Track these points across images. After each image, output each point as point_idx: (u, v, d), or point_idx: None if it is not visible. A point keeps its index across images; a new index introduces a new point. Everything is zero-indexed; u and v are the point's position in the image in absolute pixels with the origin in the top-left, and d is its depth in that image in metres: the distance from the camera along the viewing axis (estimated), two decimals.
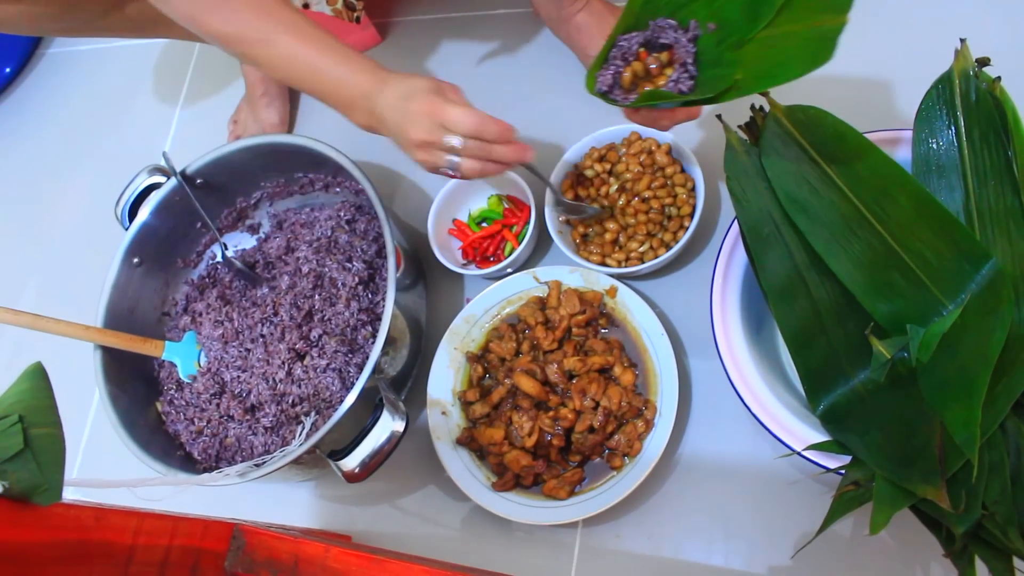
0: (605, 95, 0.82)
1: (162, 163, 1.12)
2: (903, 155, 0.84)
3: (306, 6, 1.03)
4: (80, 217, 1.48)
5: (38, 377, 0.64)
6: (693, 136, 1.10)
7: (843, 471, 0.78)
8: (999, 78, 0.80)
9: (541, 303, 1.05)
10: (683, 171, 1.04)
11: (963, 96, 0.81)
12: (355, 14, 1.07)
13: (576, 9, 1.16)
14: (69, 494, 1.18)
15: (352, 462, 0.89)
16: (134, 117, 1.55)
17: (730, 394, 0.85)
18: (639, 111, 0.83)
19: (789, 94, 0.86)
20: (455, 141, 0.81)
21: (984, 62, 0.81)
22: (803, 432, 0.81)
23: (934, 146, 0.82)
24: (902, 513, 0.73)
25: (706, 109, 0.92)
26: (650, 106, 0.82)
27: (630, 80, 0.81)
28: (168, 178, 1.12)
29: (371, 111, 0.84)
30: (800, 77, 0.74)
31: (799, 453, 0.80)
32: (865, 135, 0.81)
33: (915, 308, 0.78)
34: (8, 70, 1.67)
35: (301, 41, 0.83)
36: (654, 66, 0.81)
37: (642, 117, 0.85)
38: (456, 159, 0.83)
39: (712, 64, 0.79)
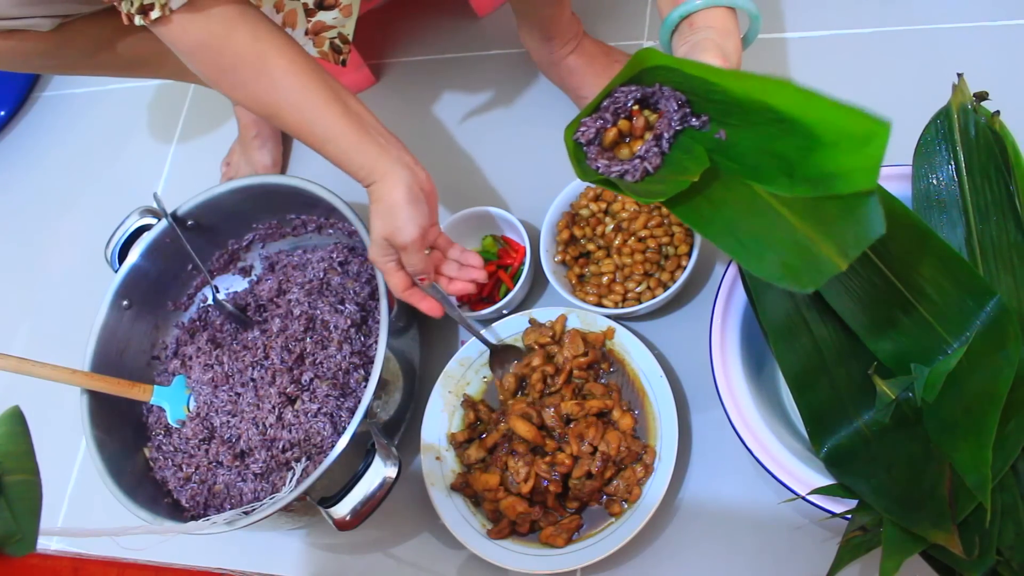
0: (577, 147, 0.74)
1: (153, 204, 1.12)
2: (903, 191, 0.83)
3: None
4: (71, 259, 1.47)
5: (15, 421, 0.62)
6: None
7: (849, 516, 0.76)
8: (998, 112, 0.80)
9: (548, 338, 1.03)
10: None
11: (962, 130, 0.80)
12: (341, 57, 1.06)
13: (567, 52, 1.16)
14: (52, 544, 1.16)
15: (343, 509, 0.87)
16: (127, 159, 1.55)
17: (731, 437, 0.83)
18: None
19: None
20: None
21: (982, 96, 0.81)
22: (807, 476, 0.79)
23: (934, 181, 0.82)
24: (913, 560, 0.70)
25: None
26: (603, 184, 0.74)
27: (612, 139, 0.73)
28: (159, 220, 1.12)
29: (365, 184, 0.88)
30: (770, 279, 0.65)
31: (803, 497, 0.78)
32: None
33: (919, 346, 0.77)
34: (2, 113, 1.67)
35: (302, 123, 0.85)
36: (639, 124, 0.73)
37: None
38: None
39: (685, 150, 0.70)
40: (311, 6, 0.98)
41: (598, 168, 0.72)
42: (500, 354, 1.03)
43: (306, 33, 1.03)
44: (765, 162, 0.66)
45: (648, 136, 0.71)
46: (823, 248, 0.64)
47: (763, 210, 0.66)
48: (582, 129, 0.72)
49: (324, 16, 1.00)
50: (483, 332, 1.02)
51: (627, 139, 0.73)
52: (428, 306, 0.95)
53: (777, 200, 0.66)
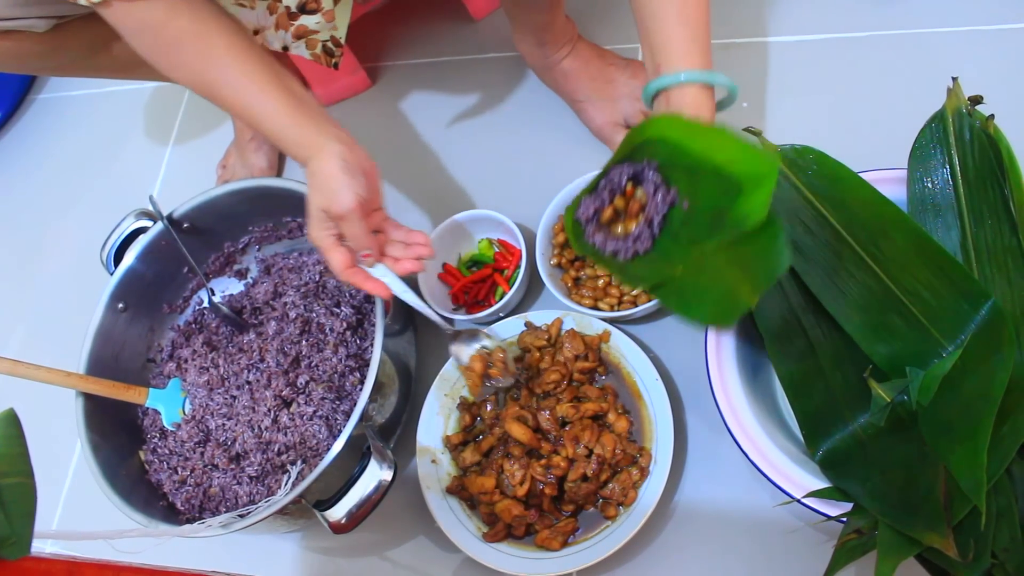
0: (576, 224, 0.80)
1: (149, 207, 1.11)
2: (898, 194, 0.83)
3: (285, 48, 1.03)
4: (67, 262, 1.47)
5: (9, 424, 0.62)
6: None
7: (845, 519, 0.76)
8: (992, 116, 0.80)
9: (544, 341, 1.03)
10: None
11: (957, 134, 0.81)
12: (333, 60, 1.06)
13: (562, 56, 1.16)
14: (47, 547, 1.16)
15: (339, 512, 0.87)
16: (123, 162, 1.54)
17: (727, 440, 0.83)
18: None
19: (782, 134, 0.86)
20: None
21: (977, 100, 0.81)
22: (802, 479, 0.79)
23: (929, 185, 0.82)
24: (908, 563, 0.71)
25: None
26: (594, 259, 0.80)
27: (609, 216, 0.78)
28: (155, 222, 1.11)
29: (302, 162, 0.87)
30: (698, 322, 0.76)
31: (799, 500, 0.78)
32: (859, 174, 0.81)
33: (914, 350, 0.77)
34: None
35: (241, 98, 0.84)
36: (633, 207, 0.78)
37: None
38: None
39: (671, 238, 0.75)
40: (293, 9, 0.98)
41: (594, 243, 0.77)
42: (461, 338, 1.02)
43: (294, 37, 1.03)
44: (709, 219, 0.72)
45: (641, 217, 0.76)
46: (742, 290, 0.71)
47: (703, 266, 0.73)
48: (581, 208, 0.78)
49: (307, 20, 1.00)
50: (439, 316, 1.00)
51: (622, 217, 0.78)
52: (374, 286, 0.90)
53: (714, 252, 0.72)
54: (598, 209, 0.77)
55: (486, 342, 0.99)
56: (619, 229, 0.77)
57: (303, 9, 0.99)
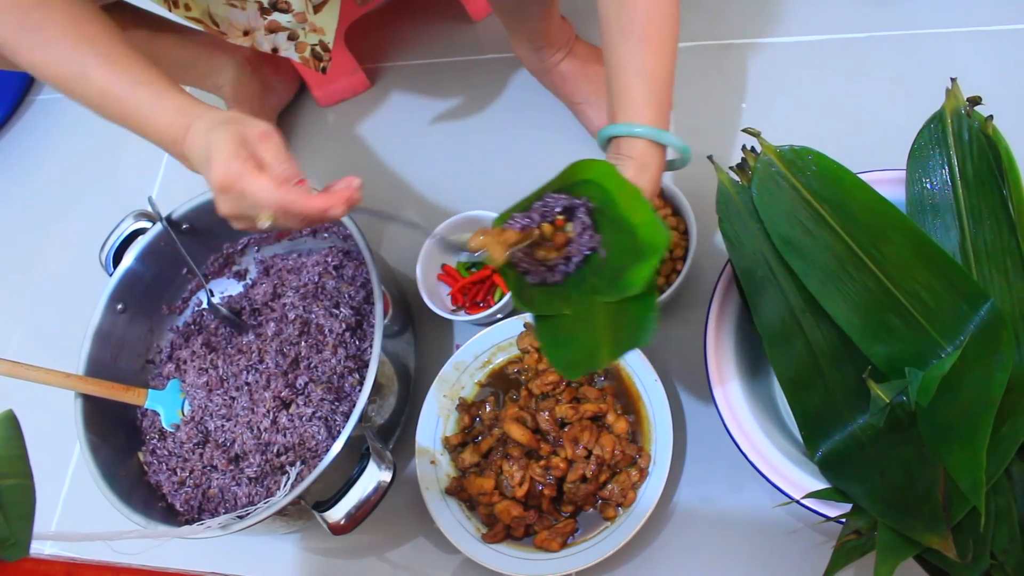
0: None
1: (148, 208, 1.11)
2: (897, 195, 0.83)
3: (275, 50, 1.04)
4: (66, 263, 1.47)
5: (8, 426, 0.62)
6: (685, 178, 1.10)
7: (844, 520, 0.76)
8: (991, 117, 0.80)
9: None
10: (675, 213, 1.03)
11: (956, 135, 0.80)
12: (322, 64, 1.07)
13: (559, 59, 1.16)
14: (45, 548, 1.16)
15: (338, 513, 0.87)
16: (122, 163, 1.54)
17: (726, 441, 0.83)
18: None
19: (781, 135, 0.86)
20: (260, 221, 0.72)
21: (976, 101, 0.81)
22: (801, 479, 0.79)
23: (928, 186, 0.82)
24: (907, 563, 0.70)
25: (699, 146, 0.91)
26: (510, 283, 0.80)
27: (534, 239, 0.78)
28: (154, 223, 1.11)
29: (184, 158, 0.78)
30: (551, 363, 0.78)
31: (798, 501, 0.78)
32: (858, 175, 0.81)
33: (913, 351, 0.77)
34: None
35: (112, 74, 0.76)
36: (559, 239, 0.78)
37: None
38: (266, 223, 0.72)
39: (579, 281, 0.76)
40: (265, 5, 0.98)
41: (512, 255, 0.76)
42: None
43: (267, 31, 1.02)
44: (612, 275, 0.73)
45: (562, 252, 0.77)
46: (604, 350, 0.72)
47: (587, 316, 0.74)
48: (510, 222, 0.78)
49: (279, 18, 1.00)
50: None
51: (545, 243, 0.78)
52: (325, 201, 0.70)
53: (600, 307, 0.73)
54: (525, 227, 0.77)
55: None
56: (540, 253, 0.77)
57: (275, 7, 0.99)
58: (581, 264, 0.76)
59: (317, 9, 1.02)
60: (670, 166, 0.83)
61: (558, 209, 0.77)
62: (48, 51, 0.78)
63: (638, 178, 0.77)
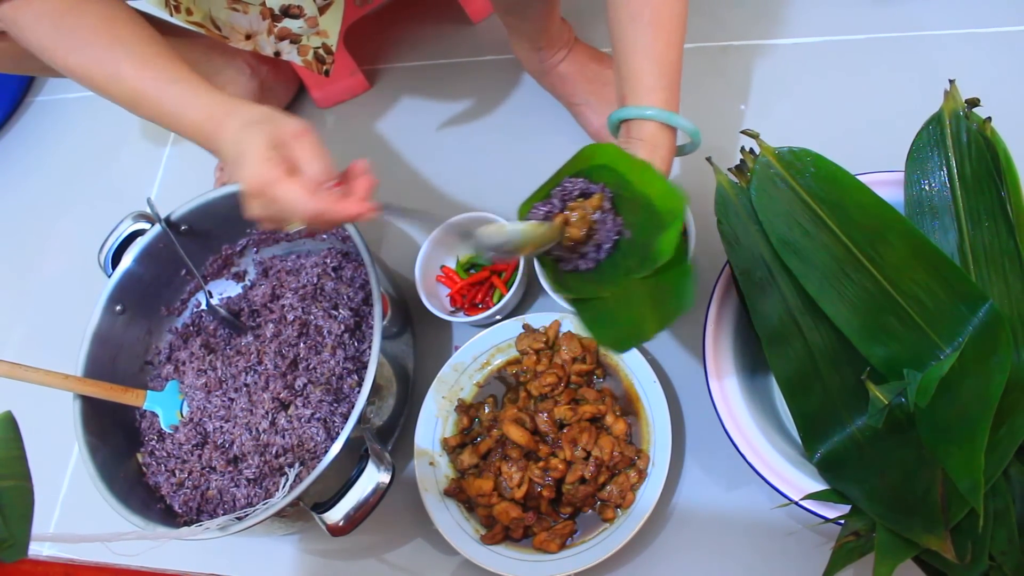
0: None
1: (147, 209, 1.11)
2: (895, 196, 0.83)
3: (277, 54, 1.04)
4: (65, 264, 1.47)
5: (7, 427, 0.62)
6: (683, 178, 1.10)
7: (842, 521, 0.76)
8: (989, 118, 0.80)
9: (541, 344, 1.03)
10: None
11: (954, 137, 0.81)
12: (324, 67, 1.07)
13: (558, 60, 1.16)
14: (44, 550, 1.16)
15: (336, 515, 0.87)
16: (121, 164, 1.54)
17: (725, 442, 0.83)
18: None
19: (780, 136, 0.86)
20: (291, 227, 0.73)
21: (974, 103, 0.81)
22: (800, 481, 0.79)
23: (926, 187, 0.82)
24: (906, 565, 0.70)
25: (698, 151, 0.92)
26: (544, 272, 0.83)
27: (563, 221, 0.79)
28: (152, 225, 1.11)
29: (218, 153, 0.78)
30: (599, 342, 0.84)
31: (796, 503, 0.78)
32: (857, 177, 0.81)
33: (911, 352, 0.77)
34: None
35: (144, 73, 0.78)
36: (575, 216, 0.78)
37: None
38: (296, 228, 0.74)
39: (612, 266, 0.76)
40: (276, 12, 0.98)
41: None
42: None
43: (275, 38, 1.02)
44: (641, 252, 0.74)
45: (592, 239, 0.77)
46: (648, 323, 0.74)
47: (627, 295, 0.75)
48: (532, 211, 0.79)
49: (290, 24, 1.00)
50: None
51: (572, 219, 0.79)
52: (355, 208, 0.71)
53: (637, 284, 0.74)
54: (548, 213, 0.78)
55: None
56: (570, 232, 0.78)
57: (286, 13, 0.99)
58: (611, 251, 0.76)
59: (322, 11, 1.02)
60: (680, 151, 0.83)
61: (576, 193, 0.78)
62: (83, 54, 0.79)
63: (653, 158, 0.77)
